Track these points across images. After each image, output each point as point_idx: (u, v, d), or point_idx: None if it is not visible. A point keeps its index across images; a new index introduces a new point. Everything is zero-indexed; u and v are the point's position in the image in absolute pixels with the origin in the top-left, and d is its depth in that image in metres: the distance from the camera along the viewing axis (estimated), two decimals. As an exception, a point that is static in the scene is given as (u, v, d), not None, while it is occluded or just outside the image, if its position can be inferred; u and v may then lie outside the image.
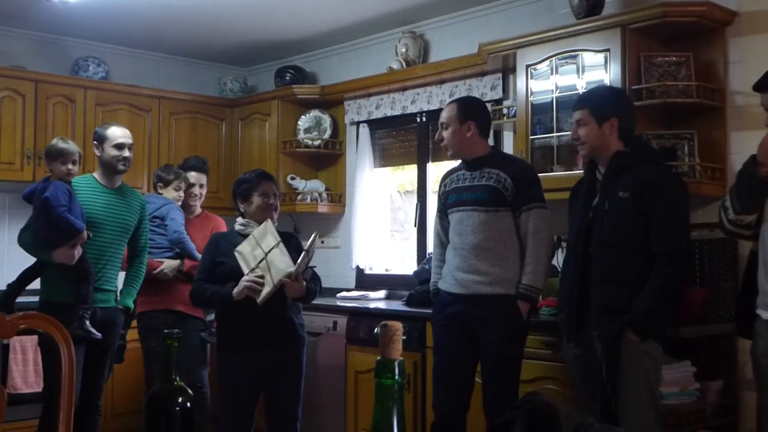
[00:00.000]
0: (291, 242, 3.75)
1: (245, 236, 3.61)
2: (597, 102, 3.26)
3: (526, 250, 3.43)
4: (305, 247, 3.54)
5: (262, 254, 3.47)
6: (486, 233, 3.44)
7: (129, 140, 4.06)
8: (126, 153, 4.01)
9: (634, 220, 3.05)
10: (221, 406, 3.66)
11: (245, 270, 3.47)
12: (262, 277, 3.44)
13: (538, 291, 3.46)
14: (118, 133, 4.03)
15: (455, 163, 3.78)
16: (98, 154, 4.01)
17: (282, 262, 3.45)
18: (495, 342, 3.39)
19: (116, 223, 3.97)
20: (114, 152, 3.98)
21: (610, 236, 3.10)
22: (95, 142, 4.03)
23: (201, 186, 4.72)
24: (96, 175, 4.04)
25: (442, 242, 3.70)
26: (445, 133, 3.59)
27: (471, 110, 3.59)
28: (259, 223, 3.63)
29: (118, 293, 4.07)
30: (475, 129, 3.54)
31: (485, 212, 3.45)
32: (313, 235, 3.57)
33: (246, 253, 3.50)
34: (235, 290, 3.46)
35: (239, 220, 3.72)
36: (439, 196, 3.78)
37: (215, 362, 4.81)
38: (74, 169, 3.80)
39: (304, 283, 3.53)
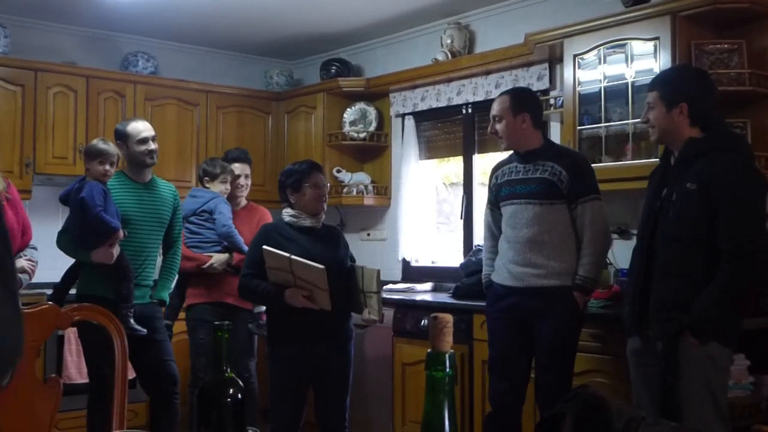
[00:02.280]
0: (333, 235, 3.78)
1: (297, 228, 3.64)
2: (667, 85, 3.07)
3: (582, 242, 3.41)
4: (374, 288, 3.58)
5: (290, 276, 3.48)
6: (540, 226, 3.42)
7: (152, 132, 4.01)
8: (152, 146, 3.98)
9: (699, 214, 2.86)
10: (273, 399, 3.70)
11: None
12: (310, 297, 3.49)
13: (595, 282, 3.45)
14: (140, 127, 3.99)
15: (502, 155, 3.75)
16: (123, 152, 3.97)
17: (311, 266, 3.42)
18: (549, 333, 3.38)
19: (152, 219, 3.98)
20: (140, 147, 3.94)
21: (674, 229, 2.93)
22: (118, 141, 3.98)
23: (246, 176, 4.74)
24: (126, 171, 4.02)
25: (494, 234, 3.68)
26: (499, 126, 3.55)
27: (524, 102, 3.54)
28: (311, 214, 3.67)
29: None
30: (529, 121, 3.51)
31: (540, 205, 3.43)
32: (376, 274, 3.58)
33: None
34: (290, 296, 3.51)
35: (289, 211, 3.72)
36: (489, 188, 3.74)
37: (264, 354, 4.89)
38: (111, 170, 3.80)
39: (384, 312, 3.69)
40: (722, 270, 2.82)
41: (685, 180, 2.92)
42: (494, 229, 3.68)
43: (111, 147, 3.83)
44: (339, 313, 3.65)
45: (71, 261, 3.94)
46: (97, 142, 3.84)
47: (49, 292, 4.16)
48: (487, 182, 3.89)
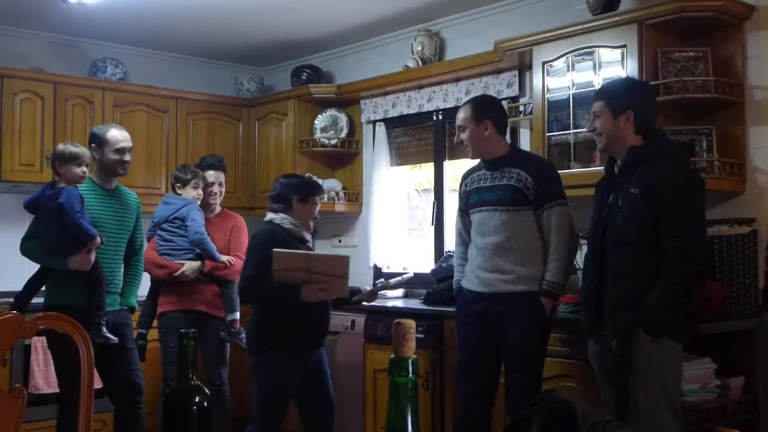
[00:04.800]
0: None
1: (296, 237, 3.74)
2: (613, 94, 3.22)
3: (549, 248, 3.45)
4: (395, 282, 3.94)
5: (302, 274, 3.51)
6: (507, 232, 3.46)
7: (130, 143, 4.01)
8: (127, 157, 3.97)
9: (644, 217, 3.01)
10: (261, 407, 3.69)
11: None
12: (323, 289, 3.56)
13: (561, 287, 3.48)
14: (119, 136, 3.96)
15: (473, 162, 3.77)
16: (96, 156, 3.94)
17: (333, 257, 3.59)
18: (518, 339, 3.41)
19: (119, 226, 3.96)
20: (115, 156, 3.93)
21: (621, 233, 3.07)
22: (93, 145, 3.95)
23: (220, 184, 4.72)
24: (93, 177, 3.97)
25: (464, 241, 3.72)
26: (463, 136, 3.60)
27: (486, 109, 3.59)
28: (305, 227, 3.80)
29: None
30: (492, 128, 3.55)
31: (506, 212, 3.47)
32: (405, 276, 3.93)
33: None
34: (307, 293, 3.54)
35: (288, 218, 3.75)
36: (460, 195, 3.79)
37: (237, 363, 4.87)
38: (87, 171, 3.80)
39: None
40: (666, 268, 2.96)
41: (629, 185, 3.07)
42: (465, 236, 3.72)
43: (83, 149, 3.82)
44: (324, 322, 3.80)
45: (36, 268, 3.89)
46: (68, 146, 3.80)
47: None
48: (458, 188, 3.92)
